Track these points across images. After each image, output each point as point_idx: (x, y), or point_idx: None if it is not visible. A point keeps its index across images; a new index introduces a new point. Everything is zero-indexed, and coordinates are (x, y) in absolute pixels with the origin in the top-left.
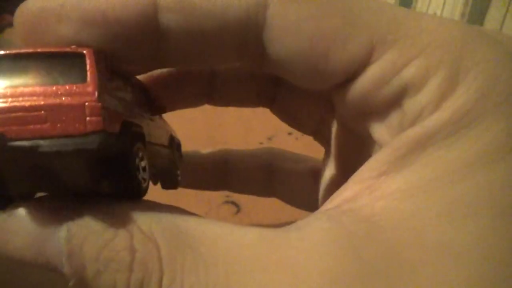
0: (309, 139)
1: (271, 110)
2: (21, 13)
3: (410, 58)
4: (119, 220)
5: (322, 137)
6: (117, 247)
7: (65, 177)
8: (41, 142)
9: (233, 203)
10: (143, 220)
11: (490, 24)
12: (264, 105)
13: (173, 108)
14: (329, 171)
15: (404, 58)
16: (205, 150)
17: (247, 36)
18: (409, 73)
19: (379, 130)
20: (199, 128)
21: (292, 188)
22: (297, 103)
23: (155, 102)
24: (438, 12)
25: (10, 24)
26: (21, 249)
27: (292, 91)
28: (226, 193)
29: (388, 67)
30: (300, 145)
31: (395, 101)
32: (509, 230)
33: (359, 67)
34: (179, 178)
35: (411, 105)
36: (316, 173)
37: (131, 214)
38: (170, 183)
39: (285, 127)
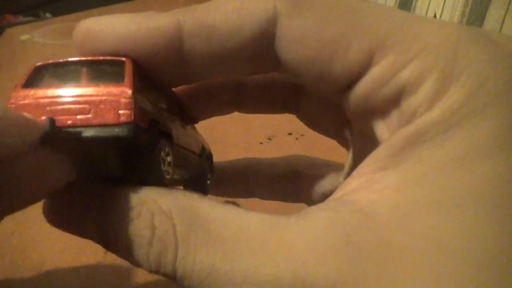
0: (308, 139)
1: (297, 116)
2: (77, 30)
3: (406, 61)
4: (143, 201)
5: (343, 140)
6: (140, 225)
7: (99, 163)
8: (83, 129)
9: (234, 203)
10: (163, 201)
11: (490, 25)
12: (289, 112)
13: (204, 117)
14: (348, 172)
15: (401, 61)
16: (231, 159)
17: (261, 49)
18: (405, 75)
19: (381, 129)
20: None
21: (319, 193)
22: (319, 109)
23: (187, 112)
24: (438, 12)
25: (11, 24)
26: None
27: (314, 98)
28: None
29: (386, 70)
30: (300, 145)
31: (394, 102)
32: (492, 219)
33: (361, 71)
34: (208, 186)
35: (408, 105)
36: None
37: (153, 195)
38: (199, 191)
39: (285, 127)
